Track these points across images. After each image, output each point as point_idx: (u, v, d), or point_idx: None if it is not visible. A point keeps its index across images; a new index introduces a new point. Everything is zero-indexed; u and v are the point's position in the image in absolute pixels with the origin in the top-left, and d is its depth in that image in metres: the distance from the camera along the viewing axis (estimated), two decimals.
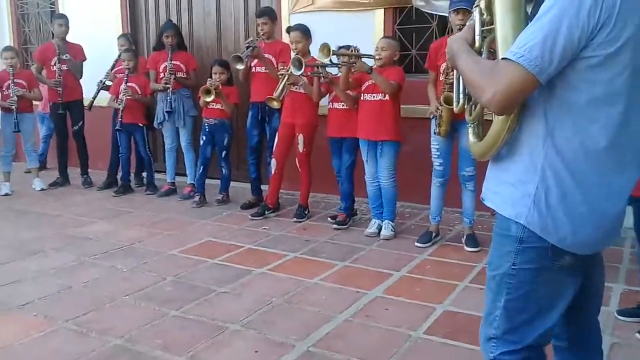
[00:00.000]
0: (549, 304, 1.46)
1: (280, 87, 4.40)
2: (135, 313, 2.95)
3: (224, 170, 5.26)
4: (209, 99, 4.86)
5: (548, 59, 1.26)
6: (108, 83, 5.79)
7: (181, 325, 2.79)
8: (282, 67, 4.53)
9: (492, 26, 1.43)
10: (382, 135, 4.10)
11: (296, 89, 4.48)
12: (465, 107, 1.67)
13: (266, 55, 4.77)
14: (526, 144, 1.39)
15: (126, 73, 5.50)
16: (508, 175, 1.44)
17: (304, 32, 4.54)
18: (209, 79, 4.95)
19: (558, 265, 1.41)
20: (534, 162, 1.37)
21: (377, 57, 4.06)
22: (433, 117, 3.88)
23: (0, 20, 7.55)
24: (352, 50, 4.02)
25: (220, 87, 4.93)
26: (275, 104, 4.46)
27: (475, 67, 1.40)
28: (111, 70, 5.78)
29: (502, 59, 1.32)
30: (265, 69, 4.74)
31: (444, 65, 3.76)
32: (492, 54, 1.48)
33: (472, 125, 1.64)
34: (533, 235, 1.39)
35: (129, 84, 5.46)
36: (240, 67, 4.68)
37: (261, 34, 4.89)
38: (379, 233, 4.20)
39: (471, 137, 1.64)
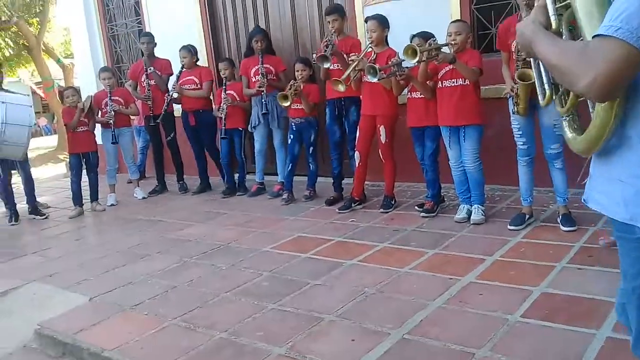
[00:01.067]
0: None
1: (348, 71, 4.44)
2: (236, 308, 3.11)
3: (311, 166, 5.39)
4: (286, 104, 5.03)
5: None
6: (175, 95, 6.03)
7: (279, 318, 2.91)
8: (353, 55, 4.56)
9: (567, 1, 1.27)
10: (465, 120, 4.04)
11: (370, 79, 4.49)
12: (554, 98, 1.46)
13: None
14: (635, 132, 1.19)
15: (224, 82, 5.76)
16: (616, 170, 1.25)
17: (381, 21, 4.54)
18: (292, 81, 5.10)
19: None
20: None
21: (452, 42, 4.00)
22: (510, 97, 3.79)
23: (93, 43, 8.11)
24: (430, 44, 3.98)
25: (301, 87, 5.06)
26: (341, 87, 4.50)
27: (560, 51, 1.20)
28: (177, 82, 6.00)
29: (595, 36, 1.12)
30: (340, 66, 4.79)
31: (514, 43, 3.67)
32: (572, 33, 1.32)
33: (566, 119, 1.43)
34: None
35: (228, 92, 5.71)
36: (327, 65, 4.75)
37: (332, 31, 4.95)
38: (468, 218, 4.14)
39: (568, 133, 1.42)
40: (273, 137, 5.74)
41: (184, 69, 6.07)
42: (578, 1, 1.22)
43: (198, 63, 6.23)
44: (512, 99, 3.73)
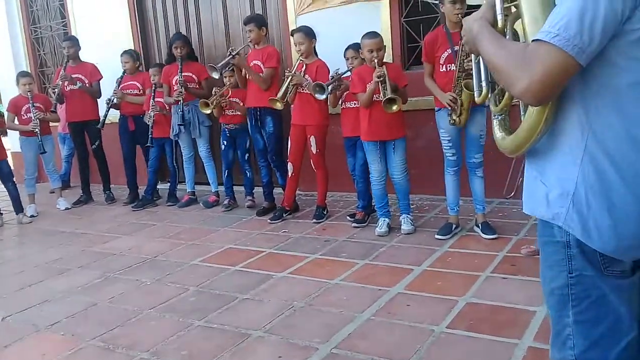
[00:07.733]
0: (627, 309, 1.25)
1: (284, 88, 4.44)
2: (160, 325, 2.98)
3: (248, 173, 5.32)
4: (207, 111, 5.00)
5: (588, 36, 1.07)
6: (116, 101, 5.79)
7: (205, 335, 2.82)
8: (287, 70, 4.56)
9: (515, 2, 1.27)
10: (397, 133, 4.08)
11: (303, 89, 4.47)
12: (489, 96, 1.46)
13: (255, 62, 4.82)
14: (563, 136, 1.21)
15: (153, 88, 5.58)
16: (542, 173, 1.27)
17: (307, 33, 4.53)
18: (215, 88, 5.07)
19: (617, 271, 1.22)
20: (573, 156, 1.19)
21: (374, 59, 3.90)
22: (446, 108, 3.80)
23: (15, 45, 7.72)
24: (332, 77, 4.16)
25: (229, 94, 4.99)
26: (279, 105, 4.49)
27: (501, 52, 1.21)
28: (118, 87, 5.79)
29: (533, 40, 1.13)
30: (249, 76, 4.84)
31: (444, 55, 3.75)
32: (516, 35, 1.32)
33: (498, 118, 1.44)
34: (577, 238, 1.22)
35: (156, 100, 5.54)
36: (215, 76, 4.83)
37: (249, 41, 4.91)
38: (389, 231, 4.16)
39: (497, 132, 1.43)
40: (198, 147, 5.61)
41: (126, 74, 5.84)
42: (524, 4, 1.22)
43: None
44: (448, 111, 3.74)
